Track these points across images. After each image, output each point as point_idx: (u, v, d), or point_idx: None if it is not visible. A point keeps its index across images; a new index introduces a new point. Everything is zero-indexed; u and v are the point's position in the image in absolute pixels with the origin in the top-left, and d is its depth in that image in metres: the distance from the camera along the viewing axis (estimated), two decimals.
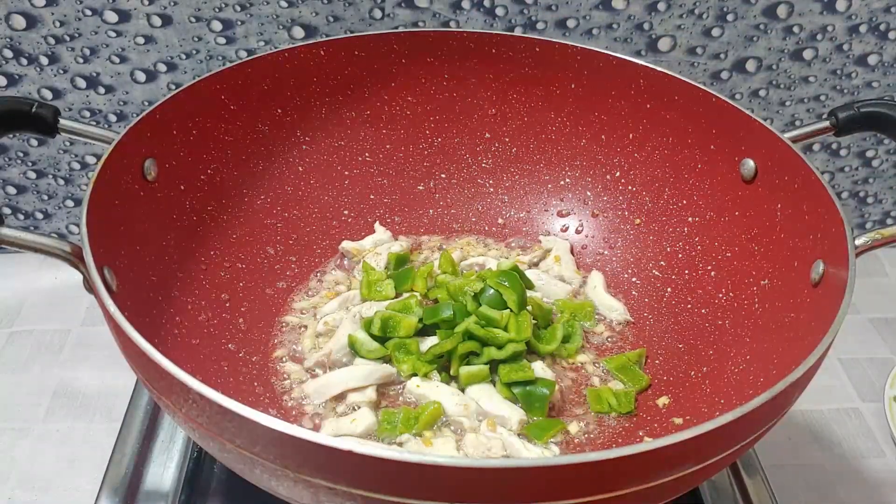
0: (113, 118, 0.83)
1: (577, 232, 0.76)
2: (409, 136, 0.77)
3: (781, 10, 0.80)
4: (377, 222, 0.76)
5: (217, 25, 0.78)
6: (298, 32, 0.79)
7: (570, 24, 0.80)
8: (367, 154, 0.77)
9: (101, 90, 0.81)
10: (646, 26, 0.80)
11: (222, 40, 0.79)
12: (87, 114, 0.83)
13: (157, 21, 0.77)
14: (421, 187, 0.78)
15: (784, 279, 0.60)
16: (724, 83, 0.85)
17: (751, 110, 0.67)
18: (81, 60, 0.79)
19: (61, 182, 0.88)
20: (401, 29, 0.78)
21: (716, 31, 0.81)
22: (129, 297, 0.53)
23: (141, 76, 0.80)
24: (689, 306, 0.68)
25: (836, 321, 0.47)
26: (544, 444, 0.57)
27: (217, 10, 0.77)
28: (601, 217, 0.76)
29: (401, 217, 0.77)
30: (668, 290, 0.70)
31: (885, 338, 0.88)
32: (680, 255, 0.71)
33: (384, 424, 0.57)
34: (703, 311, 0.67)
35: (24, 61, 0.79)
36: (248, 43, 0.79)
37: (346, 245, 0.73)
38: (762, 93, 0.86)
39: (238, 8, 0.77)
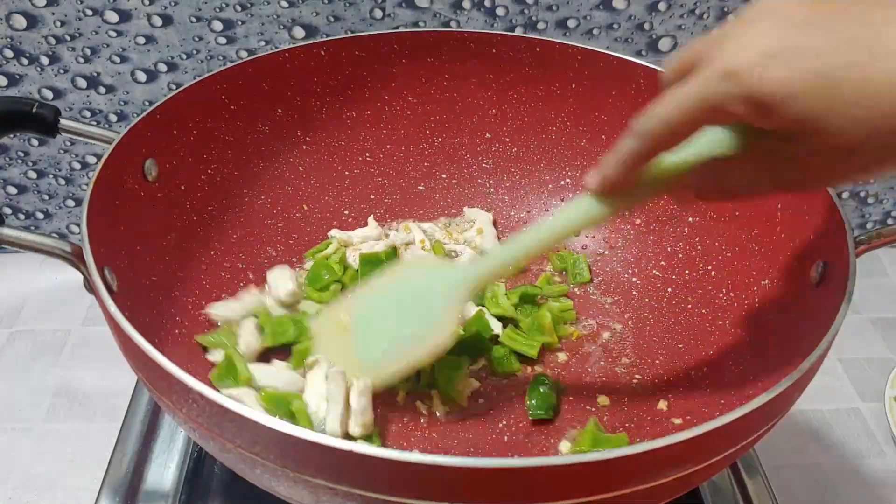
0: (113, 118, 0.83)
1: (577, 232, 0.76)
2: (410, 136, 0.77)
3: None
4: (371, 216, 0.75)
5: (218, 25, 0.78)
6: (299, 32, 0.79)
7: (571, 24, 0.80)
8: (367, 154, 0.77)
9: (102, 90, 0.81)
10: (646, 26, 0.80)
11: (223, 40, 0.79)
12: (88, 114, 0.83)
13: (157, 21, 0.77)
14: (421, 187, 0.78)
15: (784, 279, 0.60)
16: None
17: None
18: (82, 60, 0.79)
19: (62, 182, 0.88)
20: (401, 29, 0.78)
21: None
22: (129, 297, 0.53)
23: (141, 76, 0.80)
24: (689, 306, 0.68)
25: (836, 321, 0.47)
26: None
27: (218, 9, 0.77)
28: None
29: (401, 217, 0.77)
30: (668, 290, 0.70)
31: (886, 338, 0.88)
32: (680, 255, 0.71)
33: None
34: (703, 311, 0.67)
35: (25, 61, 0.79)
36: (248, 43, 0.79)
37: (335, 233, 0.73)
38: None
39: (239, 8, 0.77)
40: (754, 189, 0.42)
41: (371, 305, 0.56)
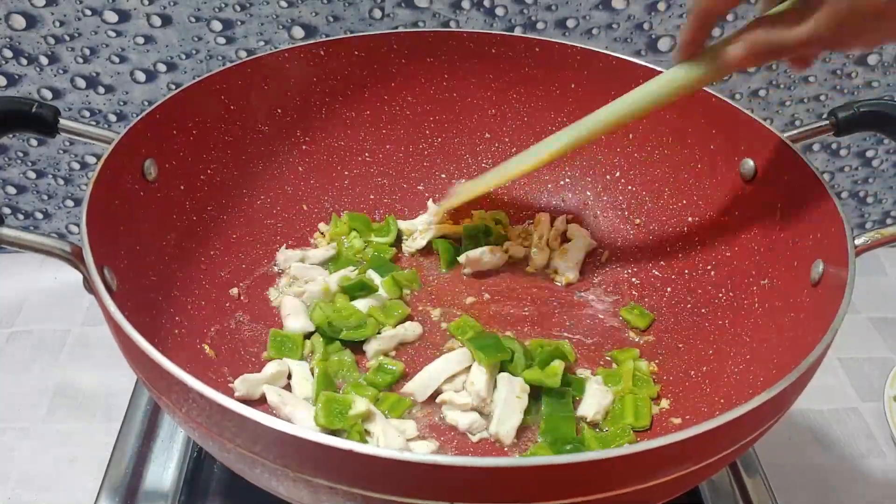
0: (113, 118, 0.83)
1: None
2: (409, 136, 0.77)
3: None
4: (430, 200, 0.77)
5: (217, 25, 0.78)
6: (298, 32, 0.79)
7: (570, 24, 0.80)
8: (367, 154, 0.77)
9: (101, 90, 0.81)
10: (646, 26, 0.80)
11: (222, 40, 0.79)
12: (87, 114, 0.83)
13: (156, 21, 0.77)
14: (421, 187, 0.78)
15: (784, 279, 0.60)
16: (724, 83, 0.85)
17: (751, 110, 0.67)
18: (81, 60, 0.79)
19: (61, 182, 0.88)
20: (401, 29, 0.78)
21: (716, 31, 0.81)
22: (129, 297, 0.53)
23: (141, 76, 0.80)
24: (689, 306, 0.68)
25: (835, 321, 0.47)
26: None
27: (217, 9, 0.77)
28: (601, 217, 0.76)
29: (401, 217, 0.77)
30: (668, 290, 0.70)
31: (885, 338, 0.88)
32: (680, 255, 0.71)
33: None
34: (703, 311, 0.67)
35: (24, 61, 0.79)
36: (248, 43, 0.79)
37: (399, 224, 0.75)
38: (762, 93, 0.86)
39: (238, 8, 0.77)
40: (801, 43, 0.49)
41: None
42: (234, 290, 0.67)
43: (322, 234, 0.74)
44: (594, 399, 0.60)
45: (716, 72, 0.55)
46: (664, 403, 0.61)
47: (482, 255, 0.72)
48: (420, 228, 0.75)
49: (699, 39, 0.55)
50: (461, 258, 0.72)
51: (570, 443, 0.57)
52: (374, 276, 0.69)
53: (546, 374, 0.60)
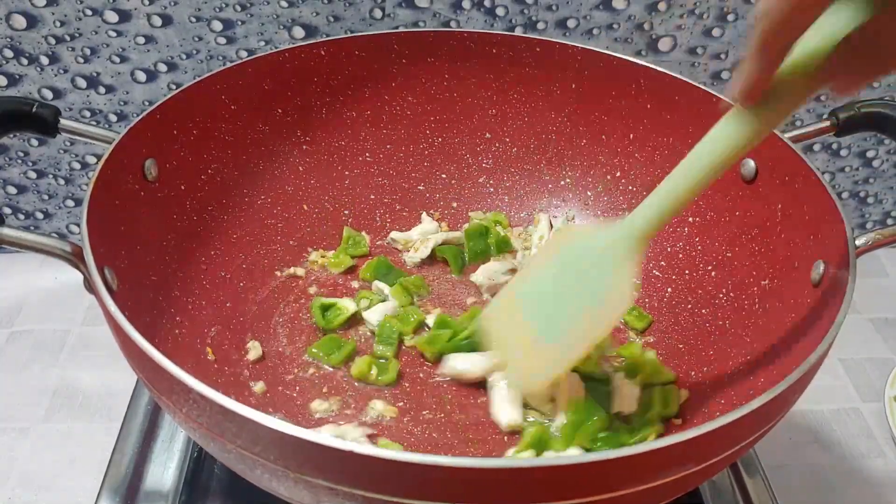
0: (113, 118, 0.83)
1: None
2: (409, 136, 0.77)
3: None
4: (424, 213, 0.77)
5: (217, 25, 0.78)
6: (299, 32, 0.79)
7: (571, 24, 0.80)
8: (367, 154, 0.77)
9: (102, 90, 0.81)
10: (646, 26, 0.80)
11: (223, 40, 0.79)
12: (88, 114, 0.83)
13: (157, 21, 0.77)
14: (421, 187, 0.78)
15: (784, 279, 0.60)
16: (724, 83, 0.85)
17: None
18: (82, 60, 0.79)
19: (62, 182, 0.88)
20: (401, 29, 0.78)
21: (716, 32, 0.81)
22: (129, 297, 0.53)
23: (141, 76, 0.80)
24: (689, 306, 0.68)
25: (836, 321, 0.47)
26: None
27: (217, 9, 0.77)
28: (602, 217, 0.76)
29: (400, 218, 0.77)
30: (668, 290, 0.70)
31: (886, 338, 0.88)
32: (680, 255, 0.71)
33: None
34: (703, 311, 0.67)
35: (25, 61, 0.79)
36: (248, 43, 0.79)
37: (395, 235, 0.74)
38: None
39: (238, 8, 0.77)
40: None
41: (539, 288, 0.53)
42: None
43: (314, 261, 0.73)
44: (625, 391, 0.60)
45: (794, 106, 0.43)
46: None
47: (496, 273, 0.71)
48: (417, 239, 0.74)
49: (769, 76, 0.40)
50: (474, 278, 0.71)
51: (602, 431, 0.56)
52: (382, 287, 0.69)
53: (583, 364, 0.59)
